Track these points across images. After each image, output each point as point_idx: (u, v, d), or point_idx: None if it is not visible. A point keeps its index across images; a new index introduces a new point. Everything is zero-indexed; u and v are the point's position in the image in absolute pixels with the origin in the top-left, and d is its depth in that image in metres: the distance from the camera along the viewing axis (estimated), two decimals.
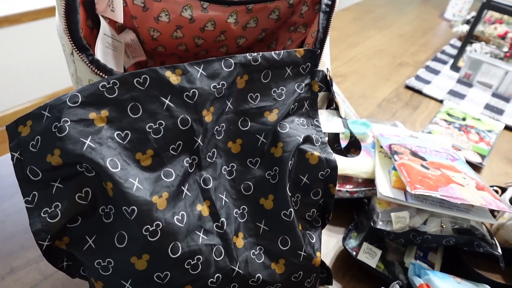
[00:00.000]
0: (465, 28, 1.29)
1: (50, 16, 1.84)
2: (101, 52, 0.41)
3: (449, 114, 0.88)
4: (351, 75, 1.04)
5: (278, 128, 0.38)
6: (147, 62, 0.54)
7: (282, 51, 0.39)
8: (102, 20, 0.41)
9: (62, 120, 0.30)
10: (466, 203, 0.48)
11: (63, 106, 0.30)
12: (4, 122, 1.89)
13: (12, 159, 0.31)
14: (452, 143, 0.78)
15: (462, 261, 0.54)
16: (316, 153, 0.39)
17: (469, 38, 1.09)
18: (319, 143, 0.40)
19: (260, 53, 0.38)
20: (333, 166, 0.39)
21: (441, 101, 0.97)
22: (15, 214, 0.53)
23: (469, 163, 0.74)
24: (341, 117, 0.44)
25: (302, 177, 0.39)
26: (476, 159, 0.75)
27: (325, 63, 0.44)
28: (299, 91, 0.40)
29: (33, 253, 0.49)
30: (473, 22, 1.07)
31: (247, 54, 0.37)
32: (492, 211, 0.57)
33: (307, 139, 0.39)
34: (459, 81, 1.07)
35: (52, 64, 1.97)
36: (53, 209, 0.30)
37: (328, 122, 0.43)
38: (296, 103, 0.40)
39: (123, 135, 0.32)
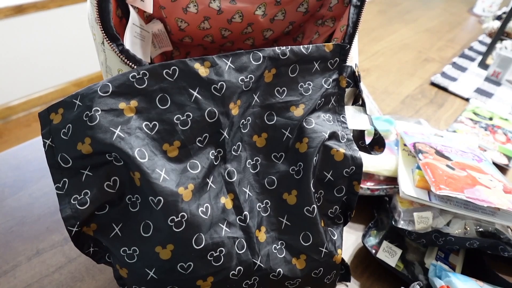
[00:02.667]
0: (496, 24, 1.24)
1: (76, 2, 1.86)
2: (129, 41, 0.41)
3: (475, 113, 0.86)
4: (374, 70, 1.02)
5: (304, 124, 0.38)
6: (172, 53, 0.54)
7: (310, 45, 0.38)
8: (131, 10, 0.41)
9: (93, 109, 0.30)
10: (492, 206, 0.47)
11: (94, 96, 0.31)
12: (28, 107, 1.94)
13: (44, 146, 0.31)
14: (478, 143, 0.76)
15: (484, 264, 0.53)
16: (342, 150, 0.38)
17: (499, 34, 1.05)
18: (345, 139, 0.39)
19: (289, 47, 0.37)
20: (358, 164, 0.39)
21: (467, 99, 0.94)
22: (42, 198, 0.55)
23: (495, 164, 0.72)
24: (367, 114, 0.43)
25: (326, 173, 0.39)
26: (503, 161, 0.73)
27: (353, 59, 0.43)
28: (326, 86, 0.40)
29: (58, 236, 0.51)
30: (505, 19, 1.03)
31: (276, 47, 0.37)
32: None
33: (333, 136, 0.39)
34: (487, 79, 1.03)
35: (78, 50, 2.00)
36: (82, 196, 0.31)
37: (354, 118, 0.42)
38: (323, 99, 0.40)
39: (151, 126, 0.33)
